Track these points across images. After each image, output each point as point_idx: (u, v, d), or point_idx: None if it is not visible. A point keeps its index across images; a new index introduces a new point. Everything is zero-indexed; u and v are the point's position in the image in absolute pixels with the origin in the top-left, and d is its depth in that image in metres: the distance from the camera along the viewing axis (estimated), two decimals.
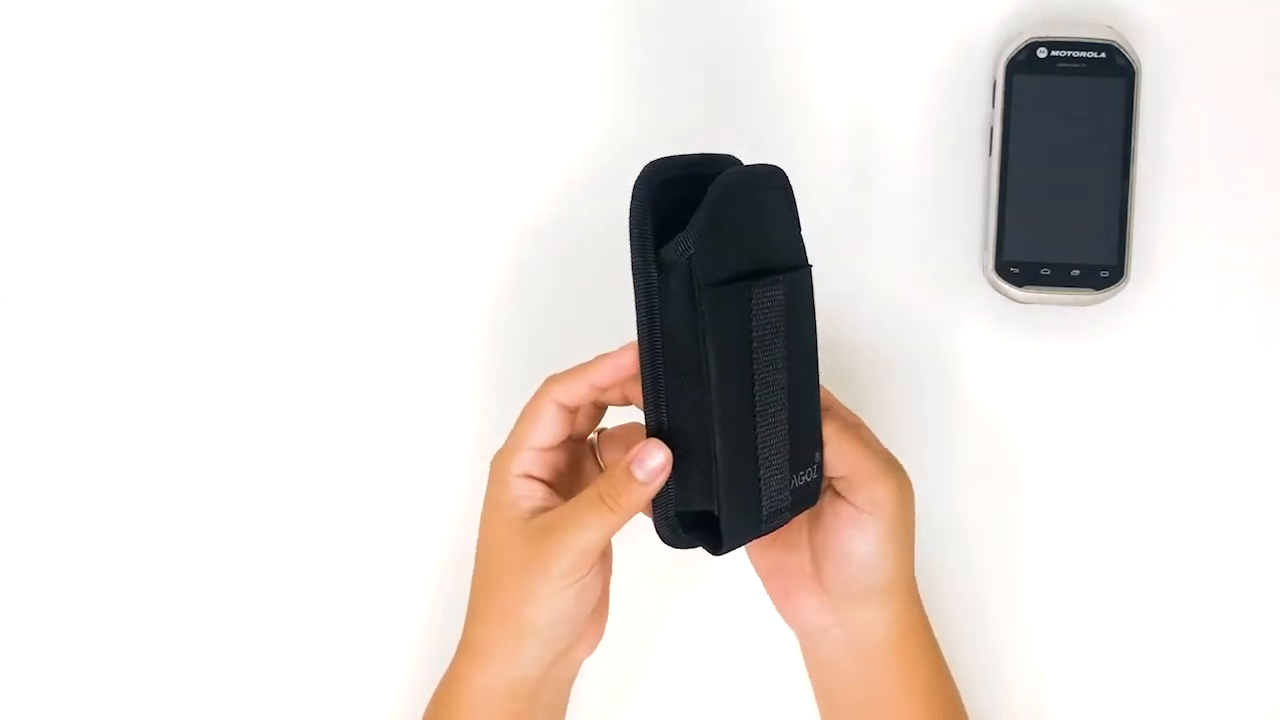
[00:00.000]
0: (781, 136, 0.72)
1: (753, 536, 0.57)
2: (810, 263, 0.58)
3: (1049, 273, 0.69)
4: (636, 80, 0.73)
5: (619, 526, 0.56)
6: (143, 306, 0.73)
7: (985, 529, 0.72)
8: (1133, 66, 0.69)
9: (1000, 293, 0.71)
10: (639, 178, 0.55)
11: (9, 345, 0.73)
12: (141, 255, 0.73)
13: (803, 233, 0.59)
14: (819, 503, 0.60)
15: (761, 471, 0.56)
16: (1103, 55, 0.69)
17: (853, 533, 0.59)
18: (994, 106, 0.70)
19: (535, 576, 0.56)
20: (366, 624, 0.73)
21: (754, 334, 0.55)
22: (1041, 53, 0.69)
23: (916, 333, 0.73)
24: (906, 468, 0.60)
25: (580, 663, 0.63)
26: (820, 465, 0.58)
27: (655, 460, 0.55)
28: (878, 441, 0.61)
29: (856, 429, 0.60)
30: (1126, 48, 0.69)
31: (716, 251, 0.54)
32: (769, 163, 0.57)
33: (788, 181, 0.58)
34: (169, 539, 0.73)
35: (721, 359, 0.54)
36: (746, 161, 0.58)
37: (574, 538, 0.56)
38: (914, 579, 0.62)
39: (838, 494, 0.60)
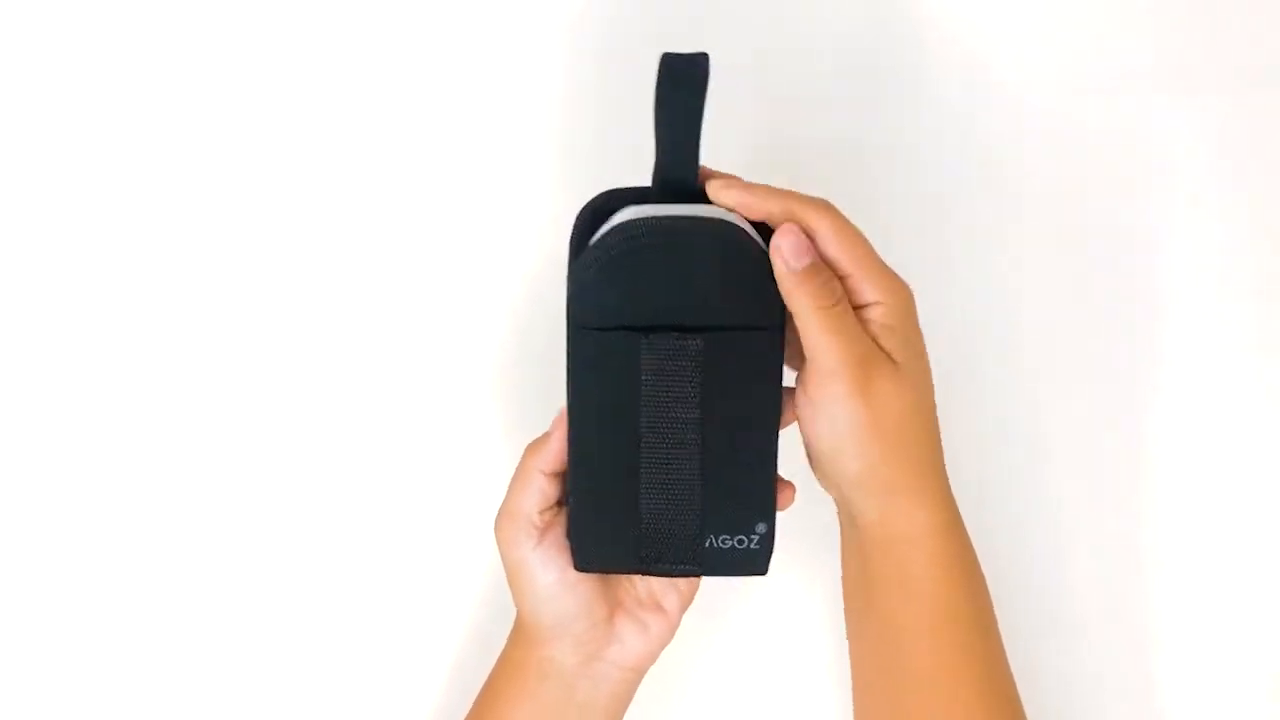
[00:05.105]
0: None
1: (621, 570, 0.58)
2: (767, 324, 0.54)
3: None
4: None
5: (530, 479, 0.57)
6: (164, 316, 0.72)
7: None
8: None
9: None
10: (584, 206, 0.55)
11: (11, 346, 0.72)
12: (162, 265, 0.72)
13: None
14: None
15: (645, 517, 0.56)
16: None
17: (808, 420, 0.55)
18: None
19: (503, 553, 0.59)
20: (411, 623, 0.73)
21: (644, 384, 0.55)
22: None
23: None
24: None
25: (624, 668, 0.61)
26: (766, 537, 0.57)
27: (555, 421, 0.57)
28: (857, 327, 0.53)
29: (834, 306, 0.52)
30: None
31: (605, 296, 0.54)
32: (729, 220, 0.54)
33: (746, 240, 0.54)
34: (183, 547, 0.72)
35: (585, 399, 0.56)
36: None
37: (504, 500, 0.59)
38: (916, 478, 0.55)
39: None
